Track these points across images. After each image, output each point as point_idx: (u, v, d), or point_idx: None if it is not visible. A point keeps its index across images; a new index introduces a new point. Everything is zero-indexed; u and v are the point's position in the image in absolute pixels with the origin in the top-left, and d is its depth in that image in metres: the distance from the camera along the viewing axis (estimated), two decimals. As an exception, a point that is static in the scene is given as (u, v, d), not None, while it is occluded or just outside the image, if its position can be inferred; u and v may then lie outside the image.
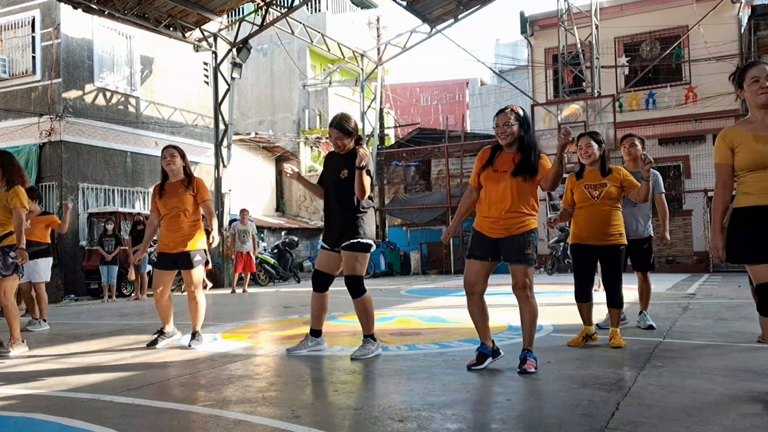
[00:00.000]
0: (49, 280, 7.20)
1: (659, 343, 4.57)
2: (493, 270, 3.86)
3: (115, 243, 11.93)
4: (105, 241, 11.83)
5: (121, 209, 14.59)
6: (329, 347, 4.87)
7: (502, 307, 6.83)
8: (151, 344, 5.13)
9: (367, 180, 4.28)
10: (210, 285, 13.34)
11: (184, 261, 5.04)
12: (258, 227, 19.22)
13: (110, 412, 3.03)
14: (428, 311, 7.45)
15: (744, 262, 3.12)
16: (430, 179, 20.49)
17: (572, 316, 5.64)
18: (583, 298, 4.65)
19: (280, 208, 24.47)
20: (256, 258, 14.81)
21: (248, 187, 20.94)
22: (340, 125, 4.40)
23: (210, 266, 13.04)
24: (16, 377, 4.09)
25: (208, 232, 5.21)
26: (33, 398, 3.42)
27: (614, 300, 4.61)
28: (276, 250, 16.56)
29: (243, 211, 12.88)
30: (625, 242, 4.64)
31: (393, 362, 4.15)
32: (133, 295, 12.30)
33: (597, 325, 5.48)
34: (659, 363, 3.85)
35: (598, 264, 4.73)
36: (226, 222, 15.00)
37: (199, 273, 5.11)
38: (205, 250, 5.16)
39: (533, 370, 3.62)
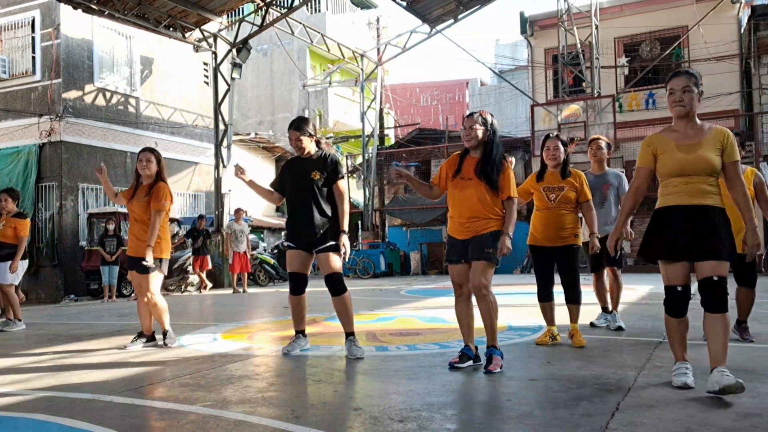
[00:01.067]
0: (17, 283, 7.05)
1: (659, 343, 4.57)
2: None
3: (116, 243, 11.94)
4: (106, 242, 11.83)
5: (120, 209, 14.57)
6: (329, 347, 4.88)
7: (502, 308, 6.82)
8: (128, 345, 5.12)
9: (345, 184, 4.57)
10: (210, 285, 13.36)
11: (140, 266, 5.01)
12: (258, 227, 19.27)
13: (110, 412, 3.03)
14: (428, 311, 7.45)
15: (659, 260, 3.26)
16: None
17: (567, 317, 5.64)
18: (543, 297, 4.72)
19: (280, 208, 24.45)
20: (255, 258, 14.84)
21: (248, 187, 20.93)
22: (299, 126, 4.55)
23: (210, 266, 13.16)
24: (16, 377, 4.09)
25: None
26: (33, 398, 3.42)
27: (572, 296, 4.68)
28: (276, 250, 16.56)
29: (238, 211, 12.90)
30: (580, 243, 4.72)
31: (393, 362, 4.16)
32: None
33: (591, 323, 5.50)
34: (659, 363, 3.85)
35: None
36: (226, 222, 15.01)
37: (153, 279, 5.02)
38: (161, 259, 5.04)
39: (498, 370, 3.67)
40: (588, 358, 4.09)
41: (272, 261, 15.55)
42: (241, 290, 12.52)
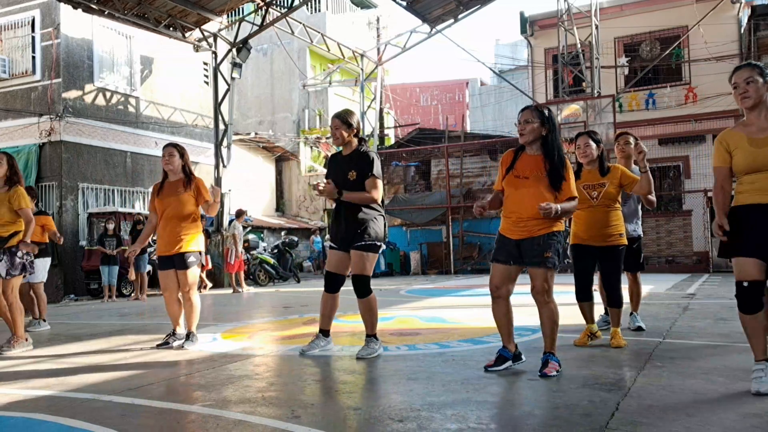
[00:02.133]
0: (45, 280, 7.12)
1: (659, 343, 4.57)
2: (518, 273, 3.77)
3: (116, 243, 11.93)
4: (106, 241, 11.83)
5: (121, 209, 14.60)
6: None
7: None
8: (162, 344, 5.10)
9: (379, 183, 4.37)
10: (210, 285, 13.36)
11: (179, 261, 5.01)
12: (258, 227, 19.27)
13: (110, 412, 3.03)
14: (428, 311, 7.45)
15: (733, 256, 3.20)
16: (429, 179, 20.48)
17: (572, 317, 5.65)
18: (584, 297, 4.64)
19: (280, 208, 24.47)
20: (255, 258, 14.88)
21: (248, 187, 20.94)
22: (342, 115, 4.49)
23: (210, 266, 13.16)
24: (16, 377, 4.09)
25: (207, 233, 5.18)
26: (33, 398, 3.42)
27: (614, 300, 4.61)
28: (276, 250, 16.56)
29: (243, 213, 13.04)
30: (626, 242, 4.65)
31: (393, 362, 4.15)
32: (132, 295, 12.30)
33: None
34: (659, 363, 3.85)
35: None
36: (225, 222, 15.01)
37: (193, 274, 5.05)
38: (200, 252, 5.10)
39: (554, 373, 3.53)
40: (588, 358, 4.09)
41: (272, 261, 15.56)
42: (241, 289, 12.55)
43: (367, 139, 4.65)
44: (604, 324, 5.42)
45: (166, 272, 5.10)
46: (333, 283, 4.51)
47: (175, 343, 5.11)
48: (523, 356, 3.87)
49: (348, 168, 4.41)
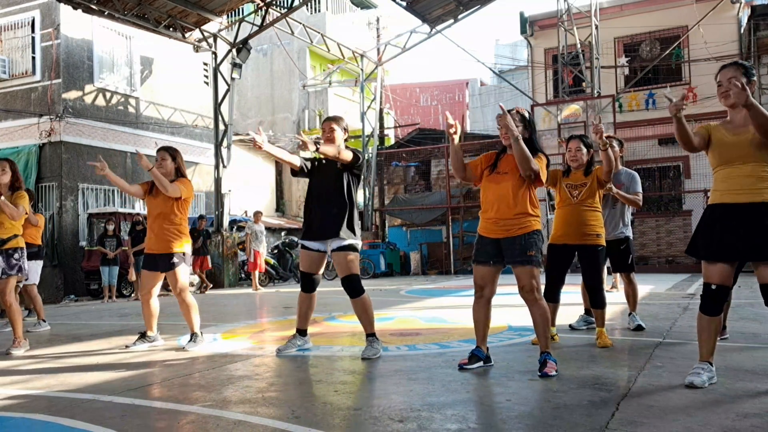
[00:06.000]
0: (38, 282, 7.10)
1: (659, 343, 4.57)
2: (500, 272, 3.83)
3: (116, 244, 11.93)
4: (106, 242, 11.82)
5: (120, 210, 14.61)
6: (329, 347, 4.87)
7: (502, 308, 6.83)
8: (130, 345, 5.11)
9: (350, 153, 4.37)
10: (210, 285, 13.36)
11: (163, 263, 5.00)
12: (258, 227, 19.23)
13: (110, 412, 3.03)
14: (428, 311, 7.45)
15: (701, 258, 3.26)
16: (429, 179, 20.48)
17: (568, 317, 5.65)
18: (550, 298, 4.66)
19: (280, 208, 24.46)
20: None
21: (248, 187, 20.95)
22: (337, 119, 4.59)
23: (210, 266, 13.16)
24: (16, 377, 4.09)
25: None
26: (33, 398, 3.42)
27: (596, 300, 4.62)
28: (276, 251, 16.56)
29: (258, 213, 13.36)
30: (603, 243, 4.66)
31: (393, 362, 4.15)
32: (133, 295, 12.30)
33: (570, 326, 5.46)
34: (659, 363, 3.85)
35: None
36: (226, 222, 15.00)
37: (181, 274, 5.03)
38: (184, 253, 5.05)
39: (554, 373, 3.54)
40: (588, 358, 4.09)
41: (272, 261, 15.55)
42: (255, 289, 12.60)
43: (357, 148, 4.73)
44: (584, 324, 5.41)
45: (149, 272, 5.11)
46: (310, 284, 4.56)
47: (143, 346, 5.10)
48: (492, 360, 3.90)
49: (334, 164, 4.43)
